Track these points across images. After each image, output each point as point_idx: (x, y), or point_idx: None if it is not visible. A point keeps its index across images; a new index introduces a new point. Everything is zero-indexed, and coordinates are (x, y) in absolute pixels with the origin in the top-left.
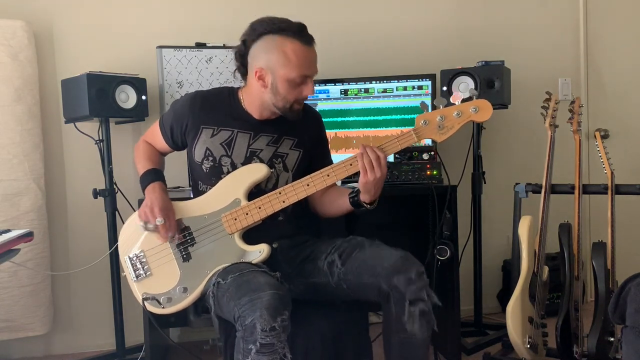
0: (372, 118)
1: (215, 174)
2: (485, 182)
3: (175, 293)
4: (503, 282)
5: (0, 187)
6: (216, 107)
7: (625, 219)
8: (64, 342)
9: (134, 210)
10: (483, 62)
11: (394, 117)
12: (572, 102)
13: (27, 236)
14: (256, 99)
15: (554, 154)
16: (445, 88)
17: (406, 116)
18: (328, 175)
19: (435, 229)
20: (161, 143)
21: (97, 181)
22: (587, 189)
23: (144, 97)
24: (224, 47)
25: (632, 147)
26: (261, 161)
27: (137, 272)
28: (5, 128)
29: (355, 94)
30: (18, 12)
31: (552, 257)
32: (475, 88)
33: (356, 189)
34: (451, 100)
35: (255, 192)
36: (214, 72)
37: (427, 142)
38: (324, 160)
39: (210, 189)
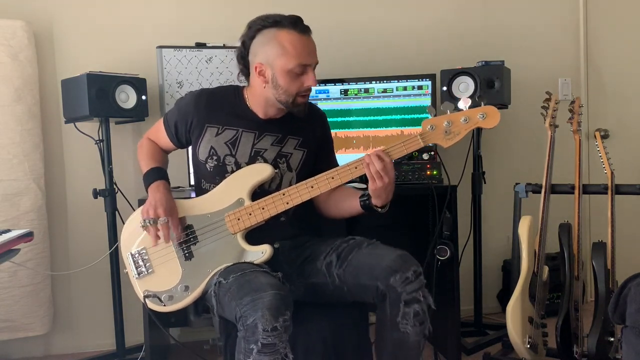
0: (372, 118)
1: (220, 173)
2: (485, 182)
3: (176, 291)
4: (503, 282)
5: (0, 187)
6: (221, 106)
7: (625, 219)
8: (64, 342)
9: (134, 210)
10: (483, 62)
11: (394, 117)
12: (572, 102)
13: (27, 236)
14: (260, 98)
15: (554, 154)
16: (445, 88)
17: (406, 116)
18: (332, 178)
19: (435, 229)
20: (165, 141)
21: (97, 181)
22: (587, 189)
23: (144, 97)
24: (224, 47)
25: (632, 147)
26: (265, 161)
27: (138, 269)
28: (5, 128)
29: (355, 94)
30: (18, 12)
31: (552, 257)
32: (475, 88)
33: (367, 193)
34: (459, 105)
35: (258, 192)
36: (214, 72)
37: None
38: (329, 160)
39: (213, 187)
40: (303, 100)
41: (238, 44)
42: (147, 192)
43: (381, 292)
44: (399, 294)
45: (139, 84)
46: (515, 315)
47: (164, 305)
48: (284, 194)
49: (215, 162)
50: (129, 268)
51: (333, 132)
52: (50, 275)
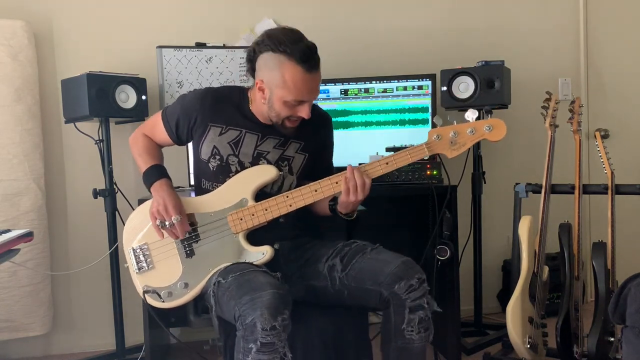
0: (372, 118)
1: (223, 173)
2: (485, 182)
3: (176, 288)
4: (503, 282)
5: (0, 187)
6: (226, 106)
7: (625, 219)
8: (64, 342)
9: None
10: (483, 62)
11: (394, 117)
12: (572, 102)
13: (27, 236)
14: (260, 105)
15: (554, 154)
16: (445, 88)
17: (406, 116)
18: (337, 183)
19: (435, 229)
20: (162, 136)
21: (97, 181)
22: (587, 189)
23: (144, 97)
24: (224, 47)
25: (632, 147)
26: (268, 163)
27: (139, 264)
28: (5, 128)
29: (355, 94)
30: (18, 12)
31: (552, 257)
32: (475, 88)
33: (335, 198)
34: (466, 117)
35: (260, 193)
36: (214, 72)
37: None
38: (325, 162)
39: (214, 186)
40: (291, 125)
41: (238, 43)
42: (149, 190)
43: (385, 299)
44: (403, 301)
45: (139, 84)
46: (515, 315)
47: (163, 302)
48: (287, 197)
49: (219, 162)
50: (130, 262)
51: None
52: (50, 275)
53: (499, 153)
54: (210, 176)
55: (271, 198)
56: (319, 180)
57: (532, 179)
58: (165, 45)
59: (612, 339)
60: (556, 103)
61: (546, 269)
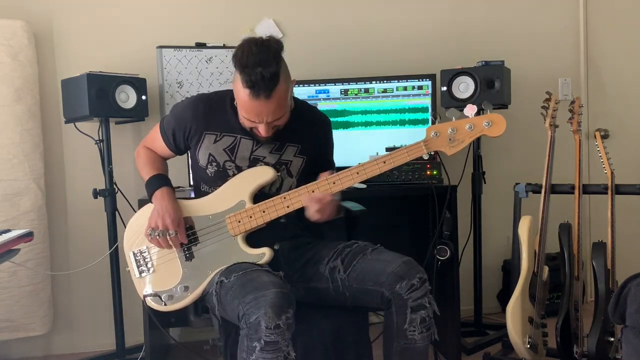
0: (372, 118)
1: (221, 178)
2: (485, 182)
3: (176, 291)
4: (503, 282)
5: (0, 187)
6: (219, 112)
7: (625, 219)
8: (64, 342)
9: (134, 211)
10: (483, 62)
11: (393, 117)
12: (572, 102)
13: (27, 236)
14: None
15: (554, 154)
16: (445, 88)
17: (406, 116)
18: (334, 183)
19: (435, 229)
20: (162, 148)
21: (97, 181)
22: (587, 189)
23: (144, 97)
24: (224, 47)
25: (632, 147)
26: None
27: (140, 268)
28: (5, 128)
29: (355, 94)
30: (18, 12)
31: (552, 257)
32: (475, 88)
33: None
34: (464, 112)
35: (258, 195)
36: (214, 72)
37: None
38: (325, 165)
39: (213, 190)
40: (260, 136)
41: (238, 43)
42: (151, 200)
43: (387, 299)
44: (405, 301)
45: (139, 84)
46: (515, 315)
47: (164, 305)
48: (284, 198)
49: (216, 168)
50: (131, 267)
51: (333, 131)
52: (50, 275)
53: (499, 153)
54: (209, 181)
55: (269, 200)
56: (316, 181)
57: (532, 179)
58: (165, 45)
59: (612, 339)
60: (556, 103)
61: (546, 269)
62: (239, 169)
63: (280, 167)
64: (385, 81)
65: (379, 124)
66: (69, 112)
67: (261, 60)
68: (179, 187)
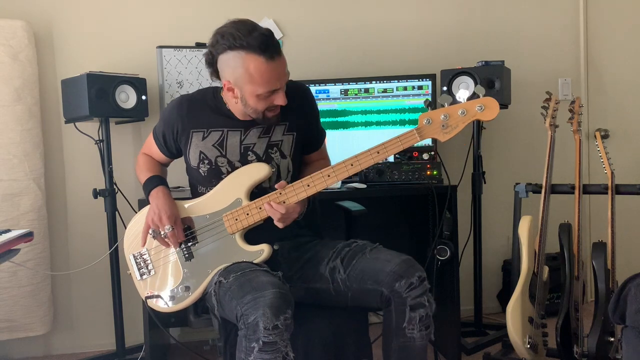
0: (372, 118)
1: (215, 176)
2: (485, 182)
3: (177, 292)
4: (503, 282)
5: (0, 187)
6: (203, 110)
7: (625, 219)
8: (64, 342)
9: (134, 211)
10: (483, 62)
11: (394, 117)
12: (572, 102)
13: (27, 236)
14: (234, 105)
15: (554, 154)
16: (445, 88)
17: (406, 116)
18: (329, 176)
19: (435, 229)
20: (158, 154)
21: (97, 181)
22: (587, 189)
23: (144, 97)
24: None
25: (632, 147)
26: (257, 155)
27: (140, 270)
28: (5, 128)
29: (355, 94)
30: (18, 12)
31: (552, 257)
32: None
33: None
34: (457, 97)
35: (256, 192)
36: None
37: (427, 141)
38: (316, 135)
39: (209, 190)
40: (272, 114)
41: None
42: (148, 201)
43: (386, 297)
44: (404, 299)
45: (139, 84)
46: (515, 315)
47: (166, 306)
48: (280, 194)
49: (208, 166)
50: (132, 270)
51: (333, 132)
52: (50, 275)
53: (499, 153)
54: (203, 181)
55: (264, 196)
56: (311, 175)
57: (532, 179)
58: (165, 45)
59: (612, 339)
60: (556, 103)
61: (546, 269)
62: (231, 164)
63: (272, 150)
64: (385, 81)
65: (379, 124)
66: (69, 112)
67: (253, 26)
68: (179, 187)
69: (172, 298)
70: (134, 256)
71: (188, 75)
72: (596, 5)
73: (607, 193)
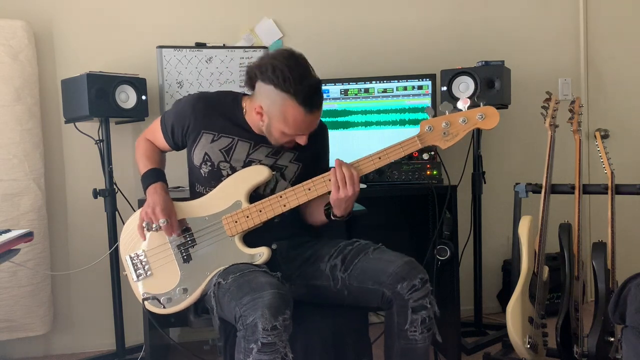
0: (372, 118)
1: (215, 178)
2: (485, 182)
3: (175, 294)
4: (503, 282)
5: (0, 187)
6: (219, 113)
7: (625, 219)
8: (64, 342)
9: (134, 211)
10: (483, 62)
11: (394, 117)
12: (572, 102)
13: (27, 236)
14: (255, 119)
15: (554, 154)
16: (445, 88)
17: (406, 116)
18: (330, 180)
19: (435, 229)
20: (161, 141)
21: (97, 181)
22: (587, 189)
23: (144, 97)
24: (224, 47)
25: (632, 147)
26: None
27: (137, 271)
28: (5, 128)
29: (355, 94)
30: (18, 12)
31: (552, 257)
32: (475, 88)
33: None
34: (458, 105)
35: (254, 195)
36: (214, 72)
37: None
38: (322, 172)
39: (208, 190)
40: (289, 145)
41: (238, 43)
42: (145, 194)
43: (387, 299)
44: (406, 301)
45: (139, 84)
46: (515, 315)
47: (163, 308)
48: (281, 197)
49: (210, 168)
50: (128, 271)
51: (333, 132)
52: (50, 275)
53: (499, 153)
54: (203, 181)
55: (265, 199)
56: (312, 179)
57: (532, 179)
58: (165, 45)
59: (612, 339)
60: (556, 103)
61: (546, 269)
62: (233, 170)
63: (275, 171)
64: (385, 81)
65: (379, 124)
66: (69, 112)
67: (305, 72)
68: (179, 187)
69: (170, 300)
70: (131, 257)
71: (188, 75)
72: (596, 5)
73: (607, 193)
